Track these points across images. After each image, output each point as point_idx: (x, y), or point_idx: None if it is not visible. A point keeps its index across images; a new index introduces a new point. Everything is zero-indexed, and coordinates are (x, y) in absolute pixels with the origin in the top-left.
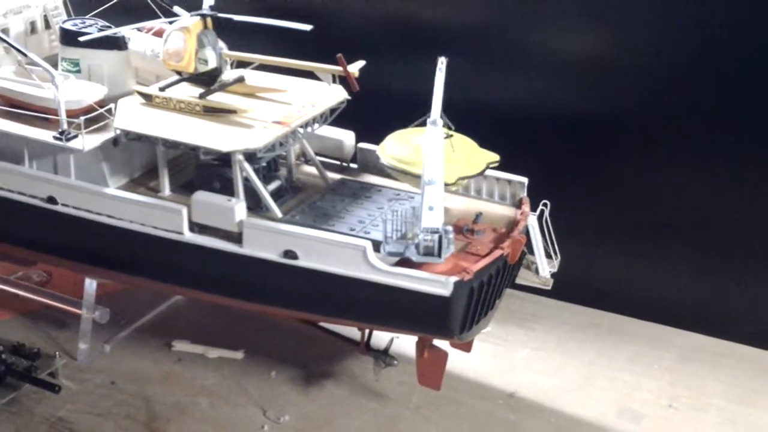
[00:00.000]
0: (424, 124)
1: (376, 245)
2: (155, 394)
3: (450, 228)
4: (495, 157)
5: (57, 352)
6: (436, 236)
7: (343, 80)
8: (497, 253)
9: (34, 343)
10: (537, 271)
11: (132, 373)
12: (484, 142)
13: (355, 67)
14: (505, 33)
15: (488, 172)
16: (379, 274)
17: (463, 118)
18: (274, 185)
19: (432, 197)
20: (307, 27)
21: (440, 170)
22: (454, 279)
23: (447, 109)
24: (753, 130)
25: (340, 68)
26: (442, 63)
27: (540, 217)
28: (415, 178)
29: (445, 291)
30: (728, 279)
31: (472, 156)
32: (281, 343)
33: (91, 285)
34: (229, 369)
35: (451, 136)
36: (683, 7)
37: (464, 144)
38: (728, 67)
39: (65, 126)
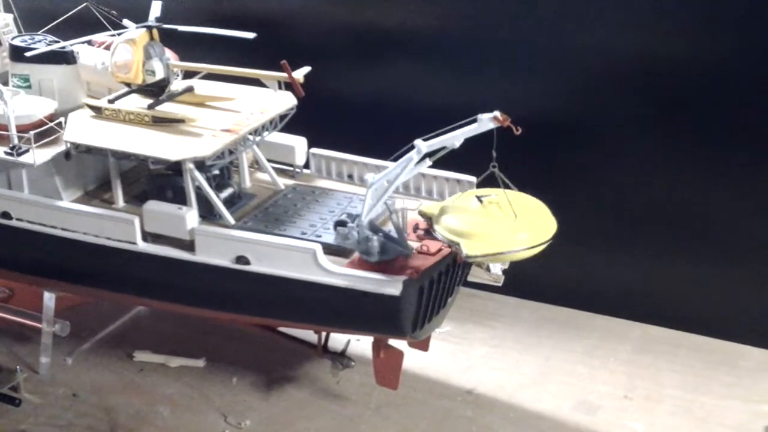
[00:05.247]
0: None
1: (327, 248)
2: (117, 405)
3: (372, 236)
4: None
5: (18, 367)
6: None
7: (289, 86)
8: (446, 251)
9: None
10: (488, 269)
11: (94, 384)
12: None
13: (300, 73)
14: (458, 37)
15: (436, 172)
16: (329, 276)
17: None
18: (227, 193)
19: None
20: (251, 35)
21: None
22: (403, 278)
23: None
24: (702, 125)
25: (285, 74)
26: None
27: None
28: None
29: (395, 290)
30: (682, 270)
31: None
32: (242, 349)
33: (50, 299)
34: (191, 377)
35: (489, 201)
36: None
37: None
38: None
39: (15, 141)
